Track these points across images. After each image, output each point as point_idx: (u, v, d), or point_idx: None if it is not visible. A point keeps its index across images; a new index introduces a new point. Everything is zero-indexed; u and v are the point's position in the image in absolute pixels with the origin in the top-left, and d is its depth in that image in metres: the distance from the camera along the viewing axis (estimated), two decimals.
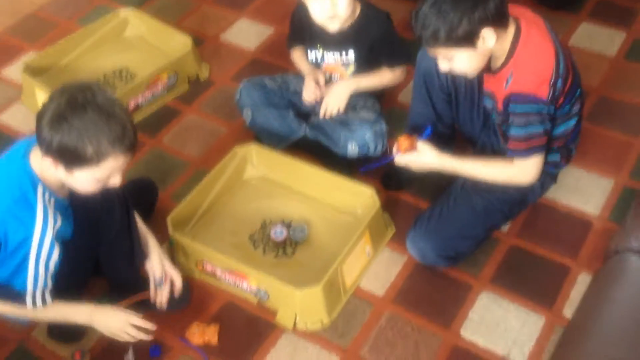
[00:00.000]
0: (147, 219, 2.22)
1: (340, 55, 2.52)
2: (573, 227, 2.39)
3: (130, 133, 1.76)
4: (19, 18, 3.37)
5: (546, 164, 2.27)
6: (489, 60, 2.08)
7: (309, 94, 2.56)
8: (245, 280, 2.20)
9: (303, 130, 2.58)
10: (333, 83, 2.56)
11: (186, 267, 2.29)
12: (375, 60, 2.53)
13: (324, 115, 2.53)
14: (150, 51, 3.09)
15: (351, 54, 2.51)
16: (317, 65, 2.59)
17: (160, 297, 2.14)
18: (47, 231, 1.81)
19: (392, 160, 2.24)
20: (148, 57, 3.04)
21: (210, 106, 2.91)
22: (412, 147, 2.18)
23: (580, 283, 2.22)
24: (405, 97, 2.79)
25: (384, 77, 2.55)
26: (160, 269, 2.13)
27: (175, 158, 2.71)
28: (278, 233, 2.37)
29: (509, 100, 2.04)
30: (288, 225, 2.40)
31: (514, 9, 2.04)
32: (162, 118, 2.86)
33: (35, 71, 2.89)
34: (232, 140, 2.69)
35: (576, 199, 2.46)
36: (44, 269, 1.84)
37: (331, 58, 2.54)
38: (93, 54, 3.07)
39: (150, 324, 2.03)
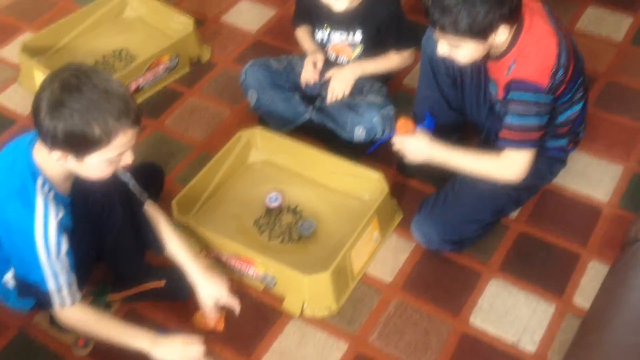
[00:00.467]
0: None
1: (347, 35, 2.48)
2: (582, 213, 2.36)
3: (133, 105, 1.71)
4: None
5: (553, 149, 2.25)
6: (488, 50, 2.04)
7: (305, 76, 2.52)
8: (251, 265, 2.16)
9: (309, 114, 2.55)
10: (339, 67, 2.52)
11: None
12: (382, 43, 2.48)
13: (331, 100, 2.49)
14: (150, 32, 3.04)
15: (358, 34, 2.46)
16: (323, 45, 2.54)
17: (210, 320, 2.06)
18: (50, 221, 1.75)
19: (391, 137, 2.23)
20: (148, 39, 2.99)
21: (212, 89, 2.86)
22: (409, 130, 2.19)
23: (591, 270, 2.20)
24: (411, 80, 2.75)
25: (391, 61, 2.51)
26: (224, 298, 2.03)
27: (178, 141, 2.66)
28: (272, 199, 2.33)
29: (509, 87, 2.01)
30: (294, 211, 2.36)
31: None
32: (164, 100, 2.81)
33: (33, 52, 2.83)
34: (235, 123, 2.65)
35: (585, 185, 2.43)
36: (58, 263, 1.79)
37: (338, 38, 2.50)
38: (92, 35, 3.02)
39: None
